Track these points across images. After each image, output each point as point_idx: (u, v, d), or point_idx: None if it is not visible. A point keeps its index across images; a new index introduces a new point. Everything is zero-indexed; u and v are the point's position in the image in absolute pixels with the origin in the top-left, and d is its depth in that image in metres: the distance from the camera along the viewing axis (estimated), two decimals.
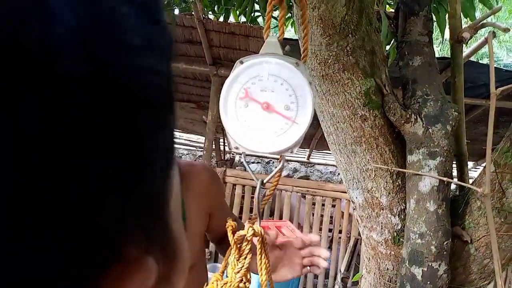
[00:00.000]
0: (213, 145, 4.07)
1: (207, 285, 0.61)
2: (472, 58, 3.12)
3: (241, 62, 0.58)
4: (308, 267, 0.85)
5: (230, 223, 0.62)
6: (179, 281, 0.24)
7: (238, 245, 0.60)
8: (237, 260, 0.60)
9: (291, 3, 1.64)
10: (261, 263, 0.62)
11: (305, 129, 0.57)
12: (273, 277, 0.90)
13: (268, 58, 0.58)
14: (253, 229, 0.60)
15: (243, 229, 0.60)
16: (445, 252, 1.04)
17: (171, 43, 0.18)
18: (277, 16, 0.78)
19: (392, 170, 1.11)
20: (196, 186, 0.83)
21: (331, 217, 3.59)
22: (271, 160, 6.56)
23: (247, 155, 0.61)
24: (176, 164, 0.21)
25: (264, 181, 0.62)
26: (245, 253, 0.60)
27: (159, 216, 0.20)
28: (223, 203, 0.98)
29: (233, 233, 0.61)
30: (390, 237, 1.17)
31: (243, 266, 0.60)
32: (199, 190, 0.84)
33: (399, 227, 1.16)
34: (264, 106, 0.57)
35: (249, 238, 0.60)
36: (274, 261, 0.86)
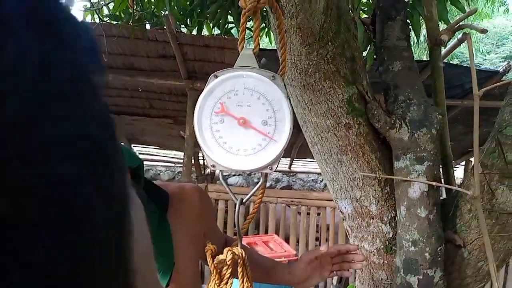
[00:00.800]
0: (192, 160, 3.98)
1: None
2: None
3: (216, 76, 0.56)
4: (335, 272, 0.94)
5: (209, 247, 0.60)
6: None
7: (219, 270, 0.58)
8: (218, 286, 0.58)
9: (265, 13, 1.61)
10: (243, 287, 0.60)
11: (284, 144, 0.55)
12: (304, 284, 0.95)
13: (243, 72, 0.56)
14: (233, 252, 0.58)
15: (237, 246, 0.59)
16: (439, 258, 1.02)
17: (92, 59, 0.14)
18: (251, 27, 0.75)
19: (380, 178, 1.08)
20: (188, 210, 0.79)
21: (317, 225, 3.55)
22: (252, 172, 6.49)
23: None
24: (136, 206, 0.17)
25: (244, 200, 0.61)
26: (226, 278, 0.58)
27: None
28: (215, 224, 0.97)
29: (213, 257, 0.58)
30: (382, 246, 1.14)
31: None
32: (192, 213, 0.80)
33: (390, 235, 1.13)
34: (240, 121, 0.55)
35: (228, 263, 0.58)
36: (311, 272, 0.93)
